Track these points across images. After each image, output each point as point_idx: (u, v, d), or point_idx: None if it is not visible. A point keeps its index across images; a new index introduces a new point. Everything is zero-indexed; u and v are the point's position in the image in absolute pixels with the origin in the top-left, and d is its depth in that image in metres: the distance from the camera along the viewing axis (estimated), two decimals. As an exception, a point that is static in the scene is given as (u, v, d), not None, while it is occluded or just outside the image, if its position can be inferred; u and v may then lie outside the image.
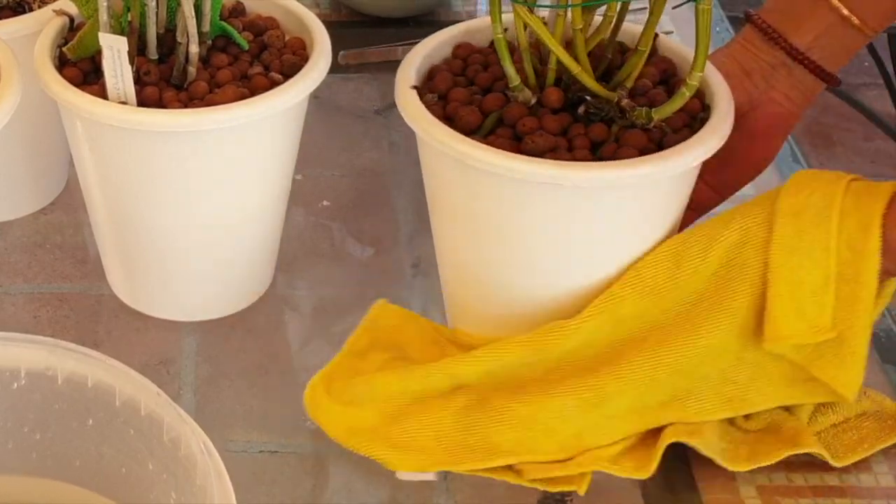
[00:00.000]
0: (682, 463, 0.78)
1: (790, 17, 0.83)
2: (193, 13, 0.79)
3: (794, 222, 0.74)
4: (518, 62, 0.78)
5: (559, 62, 0.77)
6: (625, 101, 0.76)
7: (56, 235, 0.96)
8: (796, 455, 0.77)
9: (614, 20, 0.79)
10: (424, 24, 1.20)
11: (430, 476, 0.76)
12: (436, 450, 0.76)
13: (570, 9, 0.76)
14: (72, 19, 0.85)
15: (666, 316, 0.77)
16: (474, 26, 0.85)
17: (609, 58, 0.80)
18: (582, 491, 0.75)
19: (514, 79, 0.77)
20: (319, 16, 0.88)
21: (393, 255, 0.95)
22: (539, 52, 0.80)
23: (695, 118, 0.78)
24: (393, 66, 0.82)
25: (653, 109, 0.76)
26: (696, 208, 0.82)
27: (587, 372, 0.77)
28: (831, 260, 0.73)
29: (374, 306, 0.84)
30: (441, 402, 0.77)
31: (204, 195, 0.82)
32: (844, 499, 0.76)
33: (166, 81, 0.82)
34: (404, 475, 0.76)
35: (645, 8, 0.76)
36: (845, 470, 0.77)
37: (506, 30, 0.77)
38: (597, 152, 0.76)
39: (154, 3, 0.80)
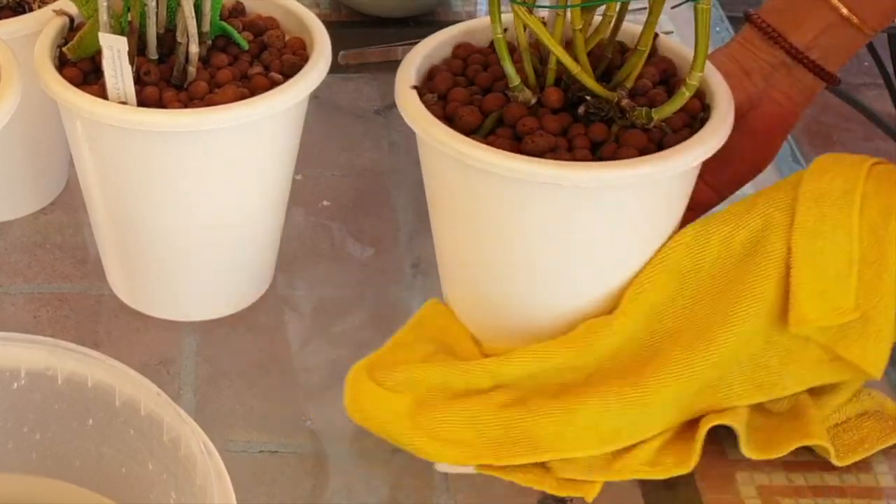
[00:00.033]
0: (682, 463, 0.78)
1: (790, 16, 0.83)
2: (193, 13, 0.79)
3: (817, 207, 0.75)
4: (518, 62, 0.78)
5: (559, 62, 0.77)
6: (625, 101, 0.76)
7: (56, 235, 0.96)
8: (797, 455, 0.77)
9: (614, 20, 0.79)
10: (424, 24, 1.20)
11: (469, 469, 0.76)
12: (476, 443, 0.76)
13: (569, 9, 0.76)
14: (72, 19, 0.85)
15: (695, 303, 0.77)
16: (474, 26, 0.85)
17: (609, 58, 0.80)
18: (590, 498, 0.75)
19: (515, 79, 0.77)
20: (319, 16, 0.88)
21: (393, 255, 0.95)
22: (539, 52, 0.80)
23: (695, 118, 0.78)
24: (393, 66, 0.82)
25: (653, 109, 0.76)
26: (695, 208, 0.82)
27: (628, 371, 0.77)
28: (854, 244, 0.74)
29: (425, 304, 0.84)
30: (481, 397, 0.77)
31: (204, 195, 0.82)
32: (844, 499, 0.76)
33: (166, 81, 0.82)
34: (444, 468, 0.76)
35: (645, 8, 0.76)
36: (845, 470, 0.77)
37: (505, 30, 0.77)
38: (597, 152, 0.76)
39: (154, 3, 0.80)
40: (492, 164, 0.73)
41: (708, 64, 0.78)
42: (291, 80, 0.81)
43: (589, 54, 0.77)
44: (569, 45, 0.77)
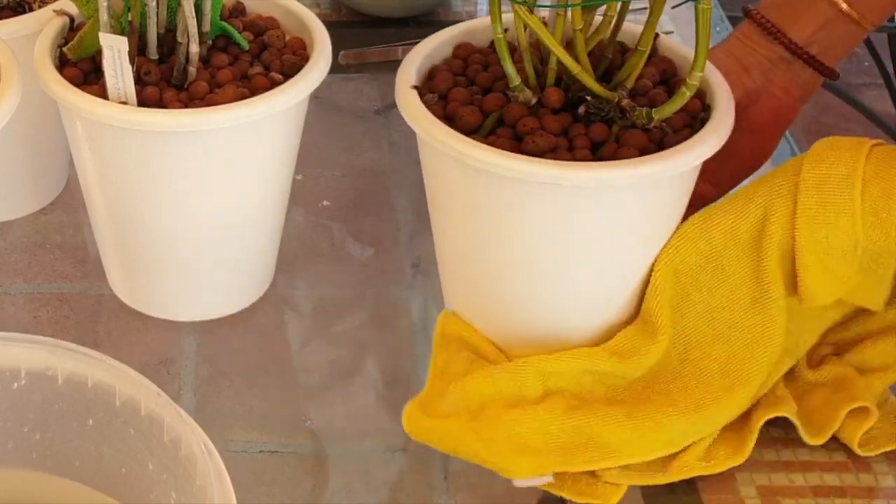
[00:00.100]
0: (682, 463, 0.78)
1: (789, 11, 0.83)
2: (194, 13, 0.79)
3: (818, 193, 0.76)
4: (518, 62, 0.78)
5: (559, 62, 0.77)
6: (625, 102, 0.76)
7: (56, 235, 0.96)
8: (797, 455, 0.77)
9: (614, 20, 0.79)
10: (424, 24, 1.20)
11: (546, 479, 0.75)
12: (547, 451, 0.75)
13: (570, 9, 0.75)
14: (72, 19, 0.85)
15: (713, 297, 0.78)
16: (474, 26, 0.85)
17: (609, 58, 0.80)
18: None
19: (515, 79, 0.77)
20: (319, 16, 0.88)
21: (393, 255, 0.95)
22: (539, 52, 0.80)
23: (695, 118, 0.78)
24: (393, 66, 0.82)
25: (653, 109, 0.76)
26: (694, 203, 0.82)
27: (673, 381, 0.78)
28: (857, 226, 0.75)
29: (439, 319, 0.83)
30: (542, 405, 0.76)
31: (204, 195, 0.82)
32: (844, 499, 0.76)
33: (167, 81, 0.81)
34: (521, 483, 0.75)
35: (645, 8, 0.76)
36: (845, 469, 0.77)
37: (506, 30, 0.77)
38: (597, 152, 0.76)
39: (154, 3, 0.80)
40: (492, 164, 0.73)
41: (708, 64, 0.78)
42: (291, 80, 0.81)
43: (589, 54, 0.77)
44: (569, 45, 0.77)
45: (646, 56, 0.77)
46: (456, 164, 0.75)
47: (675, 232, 0.78)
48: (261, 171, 0.84)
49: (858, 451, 0.78)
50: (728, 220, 0.78)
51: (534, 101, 0.78)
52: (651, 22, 0.76)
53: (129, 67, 0.77)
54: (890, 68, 1.68)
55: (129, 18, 0.81)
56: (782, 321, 0.78)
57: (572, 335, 0.80)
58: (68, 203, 0.99)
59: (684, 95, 0.74)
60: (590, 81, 0.76)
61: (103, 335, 0.87)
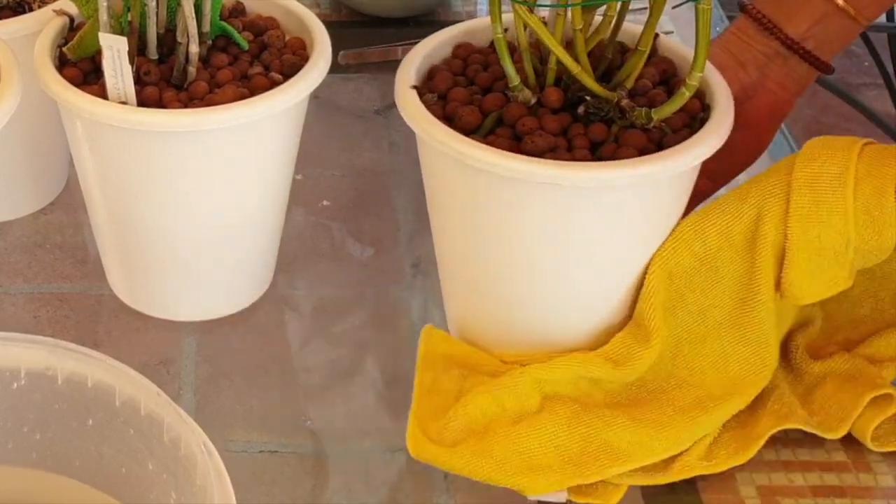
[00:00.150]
0: (681, 463, 0.78)
1: (785, 7, 0.83)
2: (193, 13, 0.79)
3: (811, 192, 0.76)
4: (518, 62, 0.78)
5: (559, 62, 0.77)
6: (624, 102, 0.76)
7: (56, 235, 0.96)
8: (797, 454, 0.77)
9: (614, 20, 0.79)
10: (424, 24, 1.20)
11: (562, 496, 0.75)
12: (560, 465, 0.75)
13: (569, 9, 0.75)
14: (72, 19, 0.85)
15: (706, 298, 0.79)
16: (474, 26, 0.85)
17: (609, 58, 0.80)
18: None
19: (514, 78, 0.77)
20: (319, 16, 0.88)
21: (393, 255, 0.95)
22: (539, 51, 0.80)
23: (694, 118, 0.78)
24: (393, 66, 0.82)
25: (652, 110, 0.76)
26: (690, 198, 0.82)
27: (666, 379, 0.79)
28: (849, 225, 0.76)
29: (422, 336, 0.82)
30: (544, 414, 0.76)
31: (204, 195, 0.82)
32: (844, 499, 0.76)
33: (166, 81, 0.82)
34: (535, 498, 0.75)
35: (645, 8, 0.76)
36: (845, 469, 0.77)
37: (506, 30, 0.77)
38: (596, 152, 0.76)
39: (154, 3, 0.80)
40: (491, 163, 0.73)
41: (708, 64, 0.78)
42: (291, 80, 0.81)
43: (589, 54, 0.77)
44: (569, 45, 0.77)
45: (645, 56, 0.77)
46: (455, 163, 0.75)
47: (669, 234, 0.78)
48: (261, 171, 0.84)
49: (871, 446, 0.78)
50: (723, 221, 0.78)
51: (533, 101, 0.78)
52: (651, 22, 0.76)
53: (129, 67, 0.77)
54: (890, 68, 1.68)
55: (129, 18, 0.81)
56: (771, 320, 0.78)
57: (572, 335, 0.80)
58: (68, 203, 0.99)
59: (683, 96, 0.74)
60: (589, 81, 0.76)
61: (103, 335, 0.87)
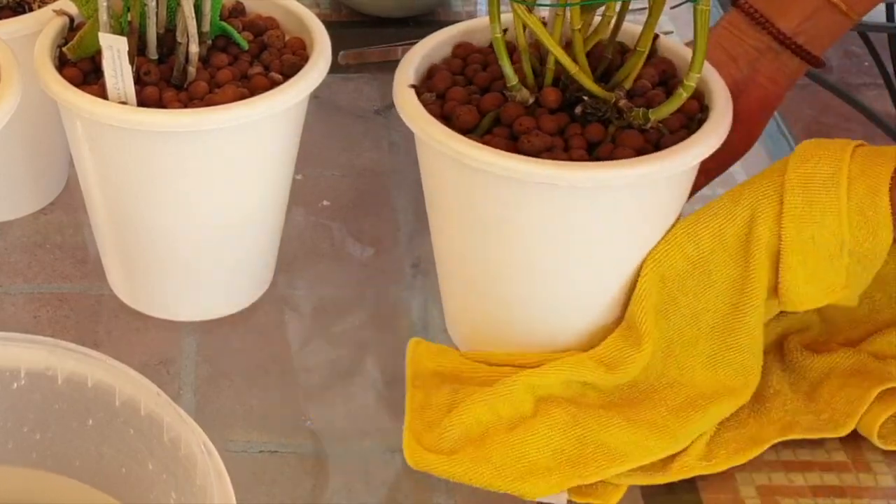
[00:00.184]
0: (681, 462, 0.78)
1: (777, 1, 0.84)
2: (193, 13, 0.79)
3: (804, 192, 0.76)
4: (517, 62, 0.78)
5: (557, 62, 0.77)
6: (622, 102, 0.76)
7: (56, 235, 0.96)
8: (797, 454, 0.77)
9: (614, 20, 0.79)
10: (424, 24, 1.20)
11: (563, 497, 0.75)
12: (558, 467, 0.75)
13: (568, 9, 0.75)
14: (72, 19, 0.85)
15: (698, 301, 0.78)
16: (474, 26, 0.85)
17: (608, 58, 0.80)
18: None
19: (512, 78, 0.77)
20: (319, 16, 0.88)
21: (393, 255, 0.95)
22: (538, 52, 0.80)
23: (692, 119, 0.78)
24: (393, 66, 0.82)
25: (650, 110, 0.76)
26: None
27: (658, 378, 0.79)
28: (843, 226, 0.76)
29: (409, 349, 0.82)
30: (539, 417, 0.76)
31: (204, 195, 0.82)
32: (844, 499, 0.76)
33: (166, 81, 0.82)
34: (539, 501, 0.75)
35: (644, 8, 0.76)
36: (845, 469, 0.77)
37: (505, 30, 0.77)
38: (593, 152, 0.76)
39: (154, 3, 0.80)
40: (488, 163, 0.73)
41: (707, 65, 0.78)
42: (291, 80, 0.81)
43: (589, 55, 0.77)
44: (568, 46, 0.77)
45: (645, 56, 0.77)
46: (452, 163, 0.75)
47: (661, 237, 0.78)
48: (261, 171, 0.84)
49: (877, 443, 0.77)
50: (715, 224, 0.78)
51: (531, 100, 0.78)
52: (650, 22, 0.76)
53: (129, 67, 0.77)
54: (890, 68, 1.68)
55: (129, 18, 0.81)
56: (761, 328, 0.78)
57: (570, 334, 0.80)
58: (68, 203, 0.99)
59: (681, 96, 0.74)
60: (587, 81, 0.76)
61: (103, 335, 0.87)
